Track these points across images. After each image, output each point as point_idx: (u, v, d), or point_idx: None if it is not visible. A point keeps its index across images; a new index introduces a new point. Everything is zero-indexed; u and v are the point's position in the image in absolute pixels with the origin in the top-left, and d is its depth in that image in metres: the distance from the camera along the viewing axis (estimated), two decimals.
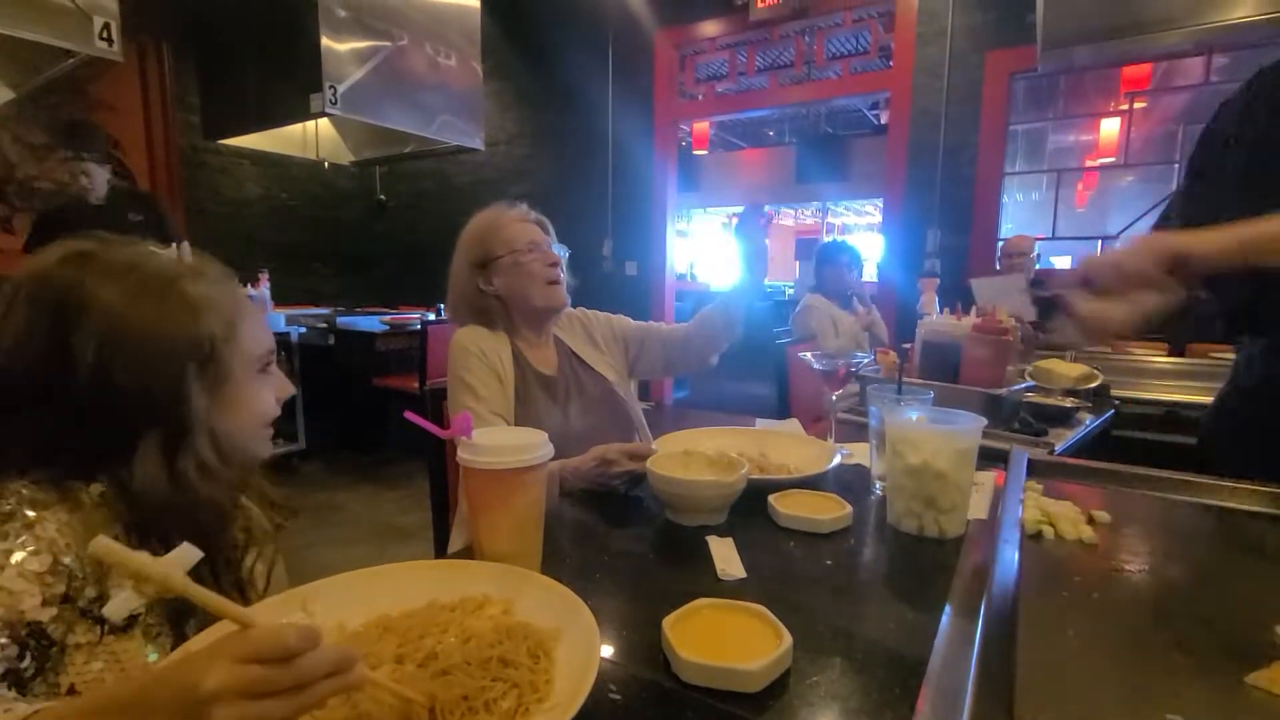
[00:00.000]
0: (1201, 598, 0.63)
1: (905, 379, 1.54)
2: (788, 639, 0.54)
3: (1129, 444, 1.69)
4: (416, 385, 3.41)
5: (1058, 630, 0.54)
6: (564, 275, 1.28)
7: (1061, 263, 4.97)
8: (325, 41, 3.16)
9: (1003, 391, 1.31)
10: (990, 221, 3.29)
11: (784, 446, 1.12)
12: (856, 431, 1.31)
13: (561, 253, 1.28)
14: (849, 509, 0.85)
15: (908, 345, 2.45)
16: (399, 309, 4.62)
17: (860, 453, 1.14)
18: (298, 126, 4.01)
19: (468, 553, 0.78)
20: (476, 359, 1.17)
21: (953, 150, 3.31)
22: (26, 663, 0.50)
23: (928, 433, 0.81)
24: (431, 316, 3.77)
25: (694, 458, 0.96)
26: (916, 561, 0.78)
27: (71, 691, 0.52)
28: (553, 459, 0.70)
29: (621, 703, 0.51)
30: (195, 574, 0.42)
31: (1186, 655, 0.50)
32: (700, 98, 4.32)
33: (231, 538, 0.68)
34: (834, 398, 1.19)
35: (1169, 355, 2.31)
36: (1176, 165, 3.11)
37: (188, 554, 0.42)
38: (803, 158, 7.61)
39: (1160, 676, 0.49)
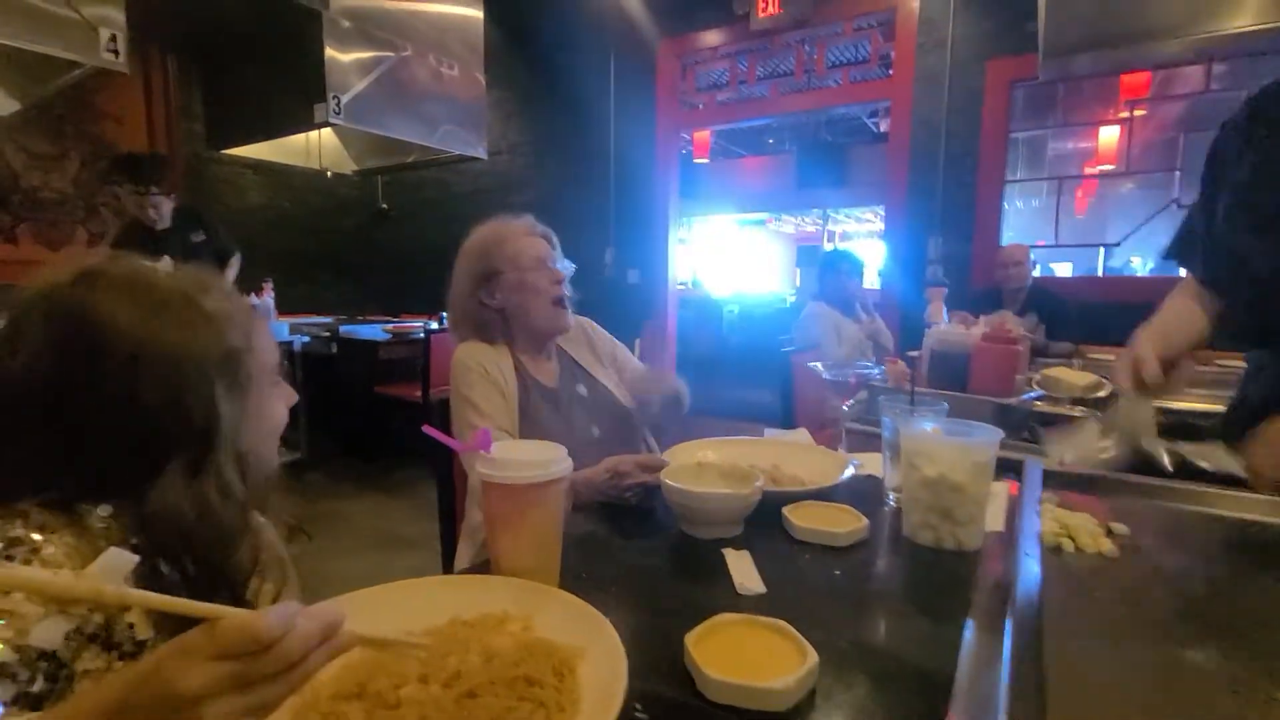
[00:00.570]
0: (1229, 611, 0.62)
1: (905, 385, 1.53)
2: (813, 656, 0.53)
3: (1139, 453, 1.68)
4: (419, 394, 3.40)
5: (1086, 645, 0.54)
6: (569, 292, 1.26)
7: (1062, 270, 4.98)
8: (329, 52, 3.18)
9: (1013, 401, 1.31)
10: (992, 229, 3.30)
11: (795, 457, 1.11)
12: (865, 441, 1.31)
13: (567, 269, 1.27)
14: (865, 521, 0.85)
15: (914, 353, 2.46)
16: (401, 317, 4.62)
17: (871, 463, 1.14)
18: (301, 136, 4.04)
19: (484, 567, 0.77)
20: (478, 375, 1.16)
21: (954, 158, 3.33)
22: (38, 686, 0.49)
23: (944, 445, 0.81)
24: (434, 325, 3.77)
25: (706, 469, 0.96)
26: (934, 574, 0.78)
27: None
28: None
29: None
30: (202, 597, 0.40)
31: (1219, 670, 0.50)
32: (701, 106, 4.35)
33: (239, 560, 0.67)
34: (845, 408, 1.19)
35: None
36: (1177, 173, 3.12)
37: (116, 560, 0.39)
38: (803, 165, 7.65)
39: (1193, 692, 0.48)
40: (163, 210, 2.68)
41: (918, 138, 3.41)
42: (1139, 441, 0.91)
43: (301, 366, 3.63)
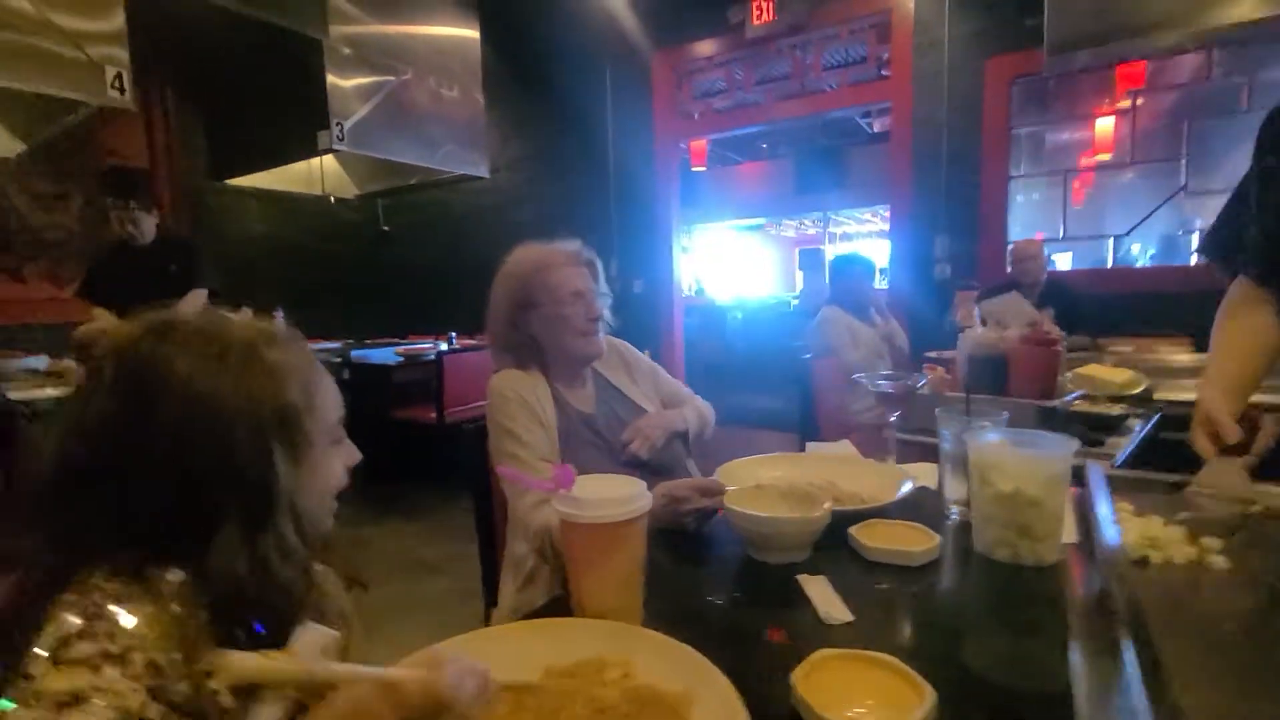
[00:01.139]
0: None
1: (948, 393, 1.53)
2: (930, 693, 0.52)
3: (1179, 448, 1.66)
4: (434, 416, 3.38)
5: (1209, 666, 0.53)
6: (605, 322, 1.26)
7: (1063, 262, 4.98)
8: (331, 79, 3.19)
9: (1056, 403, 1.30)
10: (998, 225, 3.31)
11: (851, 474, 1.10)
12: (908, 451, 1.30)
13: (605, 300, 1.26)
14: (937, 539, 0.83)
15: (932, 354, 2.44)
16: (409, 338, 4.60)
17: (920, 474, 1.13)
18: (303, 163, 4.04)
19: (556, 605, 0.76)
20: (516, 405, 1.15)
21: (956, 156, 3.33)
22: None
23: (1017, 458, 0.79)
24: (444, 346, 3.75)
25: (766, 491, 0.94)
26: (1019, 592, 0.76)
27: None
28: None
29: None
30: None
31: None
32: (697, 116, 4.36)
33: (304, 617, 0.65)
34: (892, 419, 1.18)
35: (1195, 351, 2.30)
36: (1184, 161, 3.12)
37: (317, 636, 0.39)
38: (801, 168, 7.67)
39: None
40: (142, 227, 2.55)
41: (919, 138, 3.42)
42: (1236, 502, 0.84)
43: None
